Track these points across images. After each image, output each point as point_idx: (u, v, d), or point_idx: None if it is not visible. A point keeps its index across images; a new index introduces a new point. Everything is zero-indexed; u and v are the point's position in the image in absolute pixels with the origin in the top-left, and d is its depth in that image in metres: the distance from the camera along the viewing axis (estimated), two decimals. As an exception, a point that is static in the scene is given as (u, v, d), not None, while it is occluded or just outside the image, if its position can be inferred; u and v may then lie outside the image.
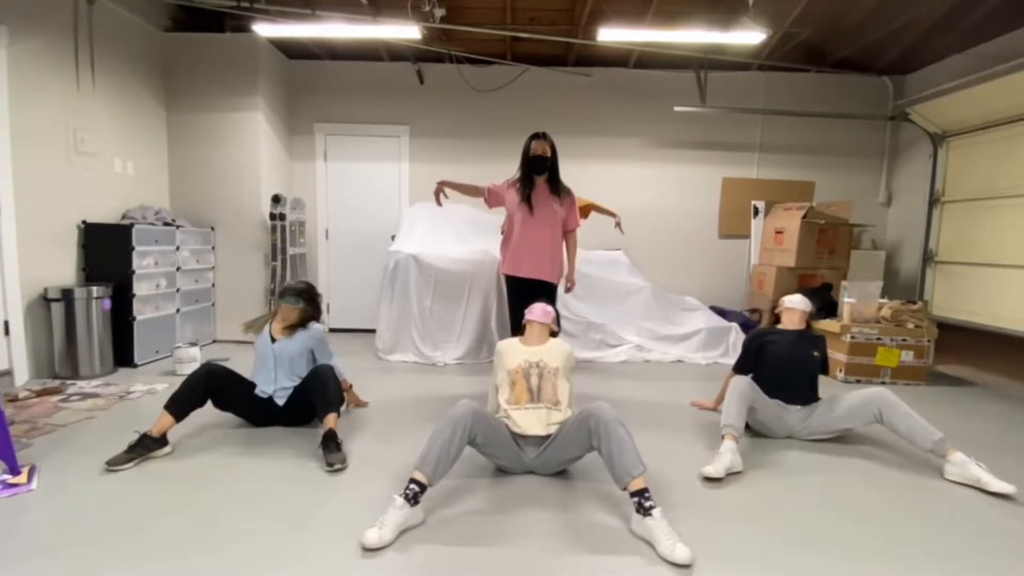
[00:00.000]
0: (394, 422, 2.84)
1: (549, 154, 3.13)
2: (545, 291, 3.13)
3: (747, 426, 2.71)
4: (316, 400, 2.46)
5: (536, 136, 3.14)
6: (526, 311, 2.44)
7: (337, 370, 2.91)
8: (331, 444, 2.28)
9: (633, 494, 1.79)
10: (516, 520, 1.87)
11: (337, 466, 2.20)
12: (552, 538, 1.76)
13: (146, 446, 2.26)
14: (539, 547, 1.71)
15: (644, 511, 1.75)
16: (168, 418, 2.32)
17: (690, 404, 3.21)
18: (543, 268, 3.20)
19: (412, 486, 1.79)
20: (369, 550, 1.65)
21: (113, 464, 2.17)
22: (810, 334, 2.81)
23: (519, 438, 2.14)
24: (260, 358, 2.63)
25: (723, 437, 2.37)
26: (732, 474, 2.25)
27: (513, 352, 2.30)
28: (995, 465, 2.40)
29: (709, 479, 2.20)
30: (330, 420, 2.36)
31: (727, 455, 2.27)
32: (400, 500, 1.76)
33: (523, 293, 3.11)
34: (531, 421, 2.13)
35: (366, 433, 2.65)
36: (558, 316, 2.43)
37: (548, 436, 2.13)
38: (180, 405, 2.36)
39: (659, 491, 2.07)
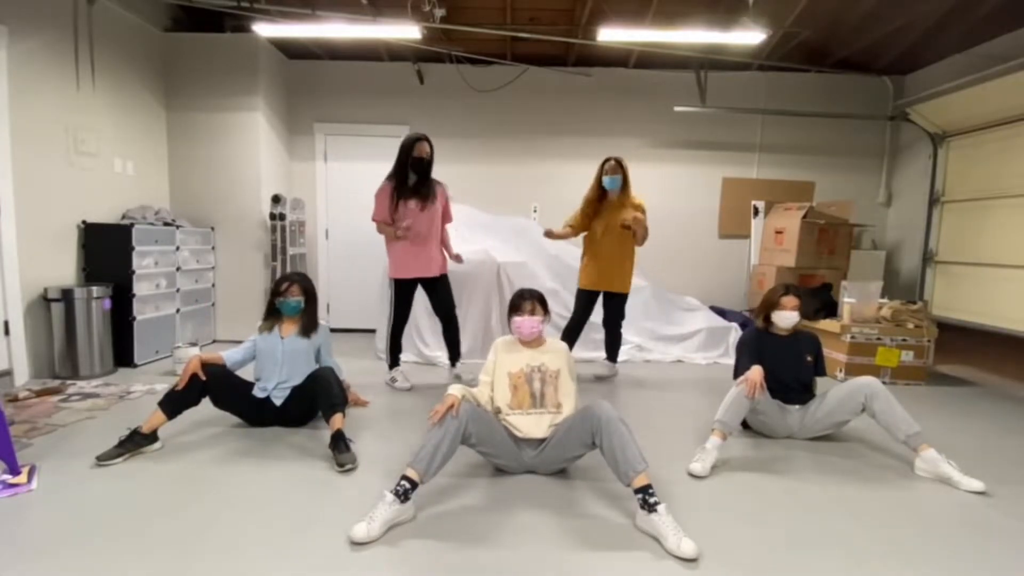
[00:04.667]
0: (394, 422, 2.84)
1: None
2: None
3: (747, 426, 2.71)
4: (320, 402, 2.47)
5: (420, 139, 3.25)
6: (516, 331, 2.26)
7: (337, 370, 2.91)
8: (340, 444, 2.28)
9: (637, 490, 1.80)
10: (514, 517, 1.87)
11: (348, 466, 2.20)
12: (553, 534, 1.76)
13: (136, 442, 2.29)
14: (540, 544, 1.71)
15: (649, 507, 1.75)
16: (160, 415, 2.35)
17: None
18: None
19: (403, 483, 1.81)
20: (357, 544, 1.68)
21: (103, 459, 2.20)
22: (804, 337, 2.72)
23: (517, 439, 2.14)
24: (267, 355, 2.63)
25: (712, 431, 2.36)
26: (725, 472, 2.25)
27: (512, 353, 2.25)
28: (994, 465, 2.40)
29: (695, 476, 2.21)
30: (336, 421, 2.36)
31: (714, 452, 2.28)
32: (390, 496, 1.77)
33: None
34: (532, 426, 2.13)
35: (366, 432, 2.65)
36: (544, 303, 2.30)
37: (546, 437, 2.13)
38: (173, 404, 2.38)
39: (660, 491, 2.07)
